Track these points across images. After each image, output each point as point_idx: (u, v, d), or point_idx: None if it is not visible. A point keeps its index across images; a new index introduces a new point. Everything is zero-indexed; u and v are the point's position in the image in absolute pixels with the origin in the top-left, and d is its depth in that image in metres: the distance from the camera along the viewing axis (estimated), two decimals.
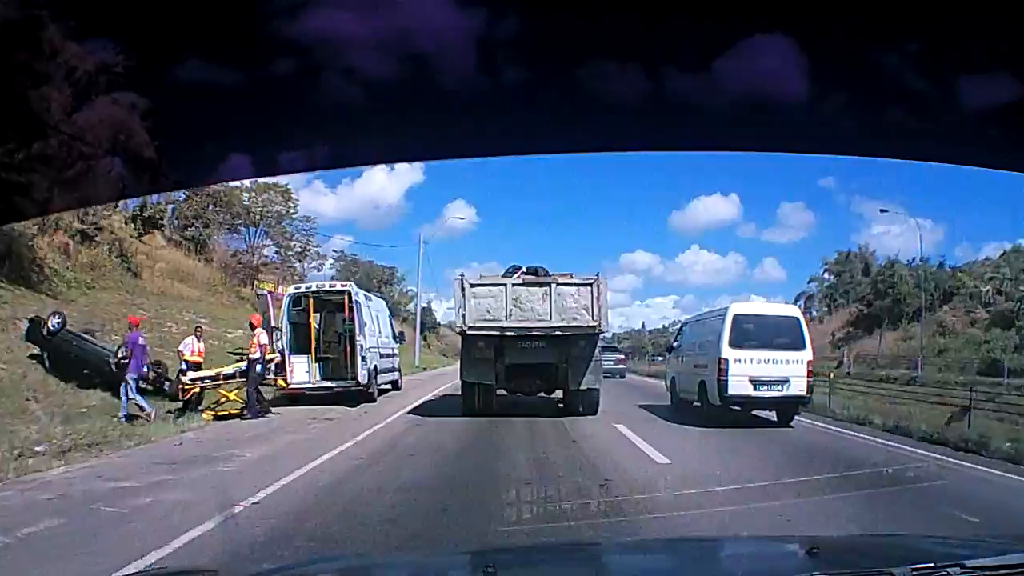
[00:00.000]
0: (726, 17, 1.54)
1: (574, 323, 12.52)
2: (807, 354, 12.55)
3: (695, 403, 13.72)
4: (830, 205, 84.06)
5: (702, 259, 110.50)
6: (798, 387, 12.39)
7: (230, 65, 1.33)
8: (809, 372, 12.58)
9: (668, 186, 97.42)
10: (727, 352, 12.34)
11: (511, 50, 1.33)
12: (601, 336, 13.75)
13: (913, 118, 1.78)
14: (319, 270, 46.64)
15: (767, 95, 1.61)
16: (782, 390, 12.36)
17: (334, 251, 55.32)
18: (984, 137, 1.87)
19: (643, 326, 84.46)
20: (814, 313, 53.59)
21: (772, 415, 12.96)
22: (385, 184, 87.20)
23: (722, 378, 12.32)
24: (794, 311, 14.21)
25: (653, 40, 1.42)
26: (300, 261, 44.44)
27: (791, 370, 12.35)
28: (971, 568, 1.80)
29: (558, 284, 12.63)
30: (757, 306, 14.58)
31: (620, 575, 2.58)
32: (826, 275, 54.45)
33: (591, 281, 12.66)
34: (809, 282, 56.16)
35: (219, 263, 32.93)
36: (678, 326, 19.49)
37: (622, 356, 35.39)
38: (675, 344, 16.44)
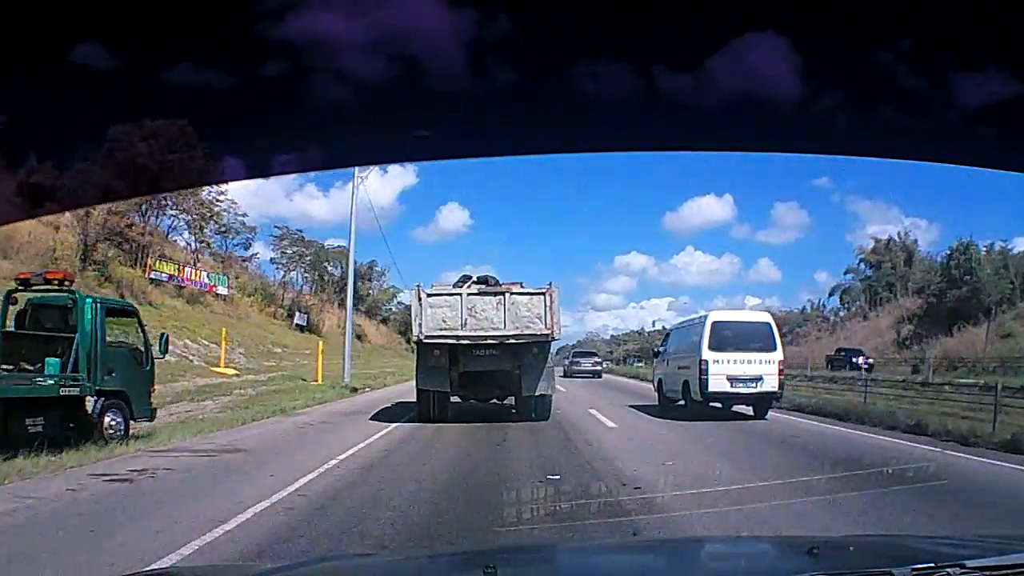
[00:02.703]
0: (717, 15, 1.54)
1: (527, 331, 12.85)
2: (778, 355, 14.57)
3: (679, 401, 15.44)
4: (824, 205, 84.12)
5: (697, 260, 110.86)
6: (771, 384, 14.32)
7: (220, 68, 1.33)
8: (780, 371, 14.59)
9: (662, 187, 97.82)
10: (706, 354, 14.22)
11: (501, 51, 1.33)
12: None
13: (907, 116, 1.77)
14: (247, 248, 40.62)
15: (760, 94, 1.60)
16: (756, 387, 14.28)
17: (276, 227, 47.79)
18: (979, 136, 1.86)
19: (643, 329, 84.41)
20: (852, 308, 50.32)
21: (750, 410, 14.82)
22: (378, 187, 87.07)
23: (703, 377, 14.19)
24: (766, 317, 16.21)
25: (644, 39, 1.41)
26: (222, 235, 36.58)
27: (764, 369, 14.28)
28: (971, 568, 1.79)
29: (512, 293, 13.01)
30: (733, 313, 16.60)
31: (619, 575, 2.57)
32: (861, 266, 50.51)
33: (543, 291, 13.15)
34: (845, 274, 52.46)
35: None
36: (665, 333, 21.56)
37: (599, 359, 42.17)
38: (661, 349, 18.14)
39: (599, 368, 38.99)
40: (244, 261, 43.33)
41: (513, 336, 12.85)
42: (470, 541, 5.30)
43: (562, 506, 5.52)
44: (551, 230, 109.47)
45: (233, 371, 22.74)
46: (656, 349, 19.37)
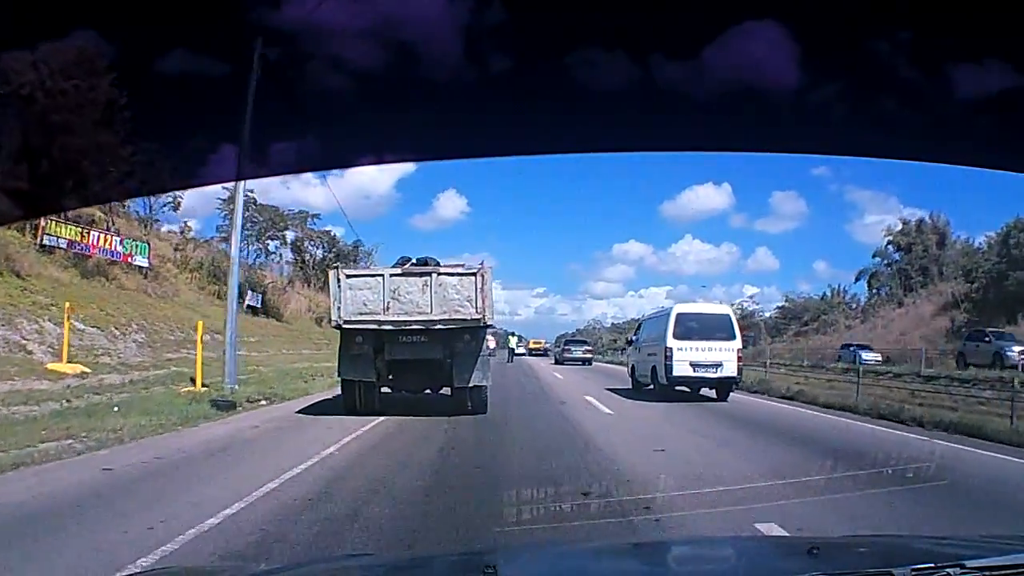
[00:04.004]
0: (716, 2, 1.53)
1: (456, 316, 11.84)
2: (737, 344, 16.23)
3: (648, 386, 17.32)
4: (823, 194, 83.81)
5: (695, 249, 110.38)
6: (730, 369, 15.90)
7: (214, 56, 1.32)
8: (739, 358, 16.26)
9: (660, 175, 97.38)
10: (671, 342, 15.88)
11: (497, 38, 1.32)
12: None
13: (905, 109, 1.76)
14: (176, 208, 31.90)
15: (757, 84, 1.59)
16: (717, 372, 15.87)
17: (224, 187, 36.51)
18: (977, 135, 1.85)
19: (643, 317, 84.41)
20: (882, 294, 46.35)
21: (713, 393, 16.43)
22: (375, 175, 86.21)
23: (668, 362, 15.87)
24: (726, 310, 18.22)
25: (641, 26, 1.40)
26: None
27: (724, 356, 15.88)
28: (971, 568, 1.79)
29: (439, 275, 11.97)
30: (697, 306, 18.67)
31: (619, 575, 2.57)
32: (889, 248, 46.81)
33: (474, 271, 12.03)
34: (873, 257, 48.56)
35: None
36: (637, 323, 23.49)
37: (589, 348, 43.83)
38: (634, 338, 20.34)
39: (589, 356, 41.45)
40: (187, 232, 35.81)
41: (440, 321, 11.83)
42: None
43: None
44: (549, 218, 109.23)
45: (79, 368, 15.20)
46: (629, 338, 21.62)
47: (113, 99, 1.41)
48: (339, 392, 13.46)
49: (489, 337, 14.14)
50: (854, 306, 51.31)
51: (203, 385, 14.76)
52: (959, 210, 58.49)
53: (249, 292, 35.78)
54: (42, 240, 21.33)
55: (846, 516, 5.43)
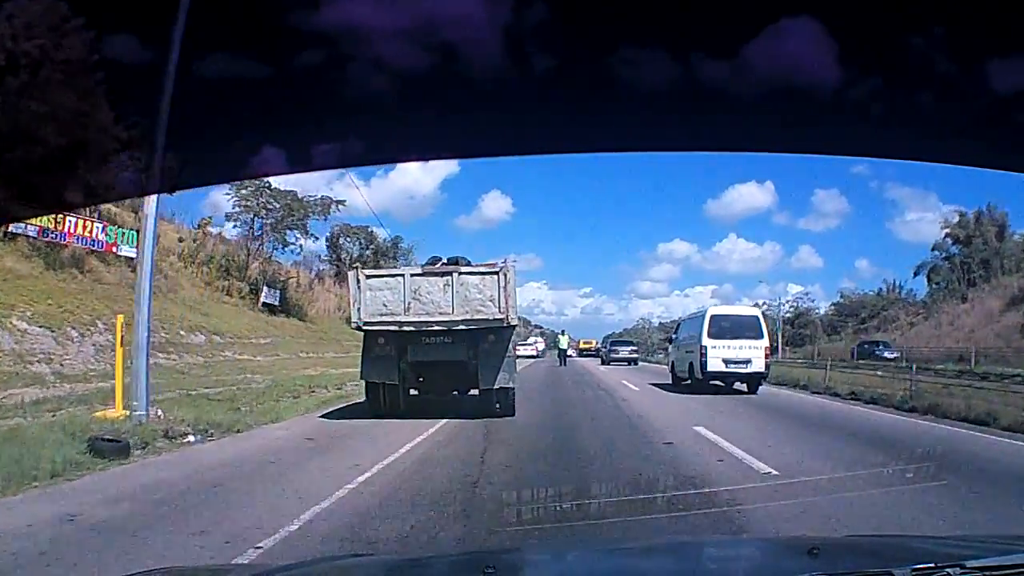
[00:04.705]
0: (752, 1, 1.51)
1: (478, 316, 11.65)
2: (764, 342, 18.54)
3: (686, 380, 19.83)
4: (863, 192, 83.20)
5: (739, 248, 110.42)
6: (758, 365, 18.32)
7: (256, 58, 1.31)
8: (767, 355, 18.59)
9: (704, 174, 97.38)
10: (706, 341, 18.28)
11: (539, 37, 1.31)
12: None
13: (944, 108, 1.74)
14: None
15: (795, 82, 1.58)
16: (746, 368, 18.27)
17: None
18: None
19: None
20: (943, 289, 44.45)
21: (744, 387, 18.94)
22: (420, 176, 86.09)
23: (703, 359, 18.27)
24: (755, 312, 21.07)
25: (682, 25, 1.39)
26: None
27: (753, 353, 18.26)
28: (971, 568, 1.80)
29: (460, 273, 11.79)
30: (729, 308, 21.09)
31: (619, 575, 2.58)
32: (947, 240, 45.93)
33: (496, 269, 11.86)
34: (933, 250, 47.77)
35: None
36: (676, 324, 27.05)
37: (635, 348, 45.53)
38: (673, 337, 23.71)
39: (635, 356, 42.94)
40: (205, 225, 32.53)
41: (462, 321, 11.65)
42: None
43: None
44: (594, 218, 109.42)
45: None
46: (669, 337, 25.31)
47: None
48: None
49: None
50: (910, 302, 50.00)
51: (127, 408, 10.76)
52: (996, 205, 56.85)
53: (265, 288, 32.44)
54: (5, 228, 17.67)
55: (820, 455, 9.02)
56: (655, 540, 4.54)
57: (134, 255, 21.64)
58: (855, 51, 1.62)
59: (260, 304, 31.67)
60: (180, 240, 30.14)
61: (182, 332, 21.97)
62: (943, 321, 40.81)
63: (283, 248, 36.94)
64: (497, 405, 12.40)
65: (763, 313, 21.57)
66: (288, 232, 35.94)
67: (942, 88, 1.77)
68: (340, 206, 37.40)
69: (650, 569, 2.58)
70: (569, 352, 45.50)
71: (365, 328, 12.01)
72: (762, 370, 18.35)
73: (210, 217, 33.44)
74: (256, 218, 34.47)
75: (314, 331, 33.92)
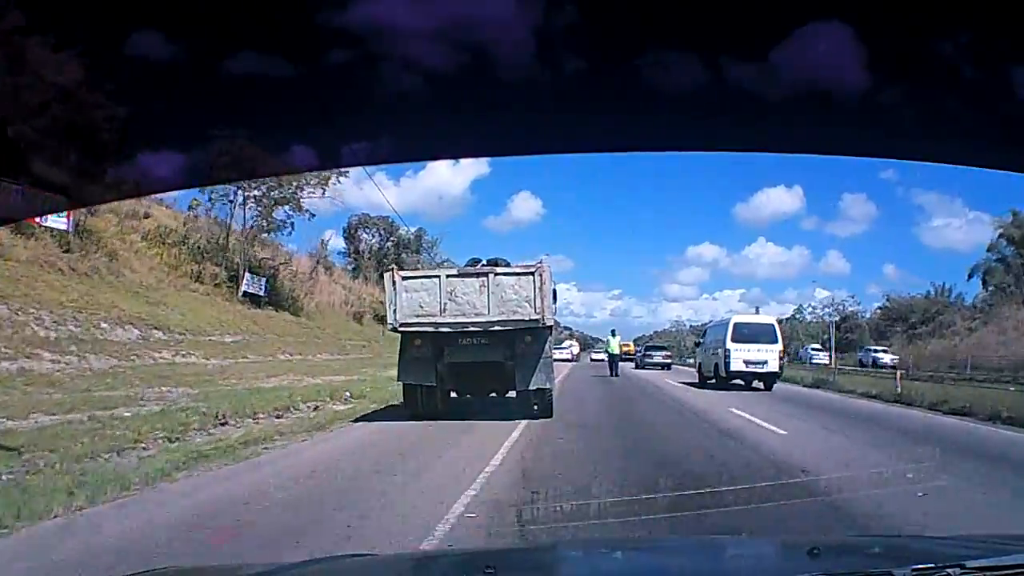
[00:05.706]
0: (782, 2, 1.51)
1: (515, 316, 11.63)
2: (779, 346, 21.99)
3: (711, 379, 23.36)
4: (891, 197, 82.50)
5: (768, 252, 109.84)
6: (773, 366, 21.65)
7: (285, 57, 1.31)
8: (781, 357, 22.13)
9: (732, 177, 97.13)
10: (730, 345, 21.69)
11: (570, 39, 1.31)
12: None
13: (971, 113, 1.73)
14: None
15: (823, 85, 1.58)
16: (763, 368, 21.59)
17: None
18: None
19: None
20: (1000, 292, 42.84)
21: (761, 385, 22.35)
22: (450, 177, 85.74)
23: (727, 360, 21.66)
24: (771, 320, 25.04)
25: (711, 27, 1.39)
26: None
27: (769, 356, 21.60)
28: (971, 568, 1.79)
29: (496, 274, 11.80)
30: (749, 316, 25.75)
31: (620, 575, 2.57)
32: (1001, 241, 44.51)
33: (532, 269, 11.86)
34: (988, 251, 46.15)
35: None
36: (702, 329, 31.47)
37: (668, 353, 46.40)
38: (700, 341, 27.22)
39: (669, 361, 43.74)
40: (195, 206, 27.98)
41: (499, 322, 11.65)
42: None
43: None
44: (624, 221, 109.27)
45: None
46: (697, 340, 29.46)
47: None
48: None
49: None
50: (963, 306, 47.43)
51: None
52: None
53: (247, 276, 27.14)
54: None
55: (821, 426, 13.45)
56: (656, 540, 4.53)
57: (64, 227, 18.84)
58: (883, 55, 1.61)
59: (240, 294, 26.61)
60: (145, 216, 25.99)
61: (104, 325, 16.71)
62: (1006, 328, 37.93)
63: (274, 232, 31.14)
64: (535, 406, 12.32)
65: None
66: (278, 208, 29.66)
67: (969, 93, 1.76)
68: (342, 177, 31.15)
69: (650, 568, 2.58)
70: (598, 356, 43.55)
71: (401, 329, 12.02)
72: (776, 370, 21.66)
73: (197, 200, 28.71)
74: (238, 190, 27.75)
75: (307, 328, 29.62)
